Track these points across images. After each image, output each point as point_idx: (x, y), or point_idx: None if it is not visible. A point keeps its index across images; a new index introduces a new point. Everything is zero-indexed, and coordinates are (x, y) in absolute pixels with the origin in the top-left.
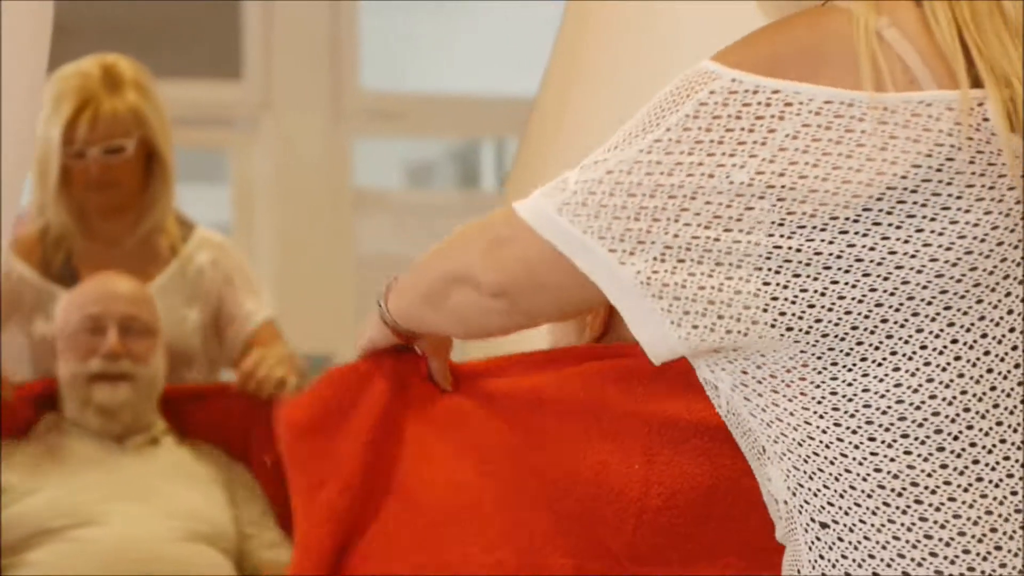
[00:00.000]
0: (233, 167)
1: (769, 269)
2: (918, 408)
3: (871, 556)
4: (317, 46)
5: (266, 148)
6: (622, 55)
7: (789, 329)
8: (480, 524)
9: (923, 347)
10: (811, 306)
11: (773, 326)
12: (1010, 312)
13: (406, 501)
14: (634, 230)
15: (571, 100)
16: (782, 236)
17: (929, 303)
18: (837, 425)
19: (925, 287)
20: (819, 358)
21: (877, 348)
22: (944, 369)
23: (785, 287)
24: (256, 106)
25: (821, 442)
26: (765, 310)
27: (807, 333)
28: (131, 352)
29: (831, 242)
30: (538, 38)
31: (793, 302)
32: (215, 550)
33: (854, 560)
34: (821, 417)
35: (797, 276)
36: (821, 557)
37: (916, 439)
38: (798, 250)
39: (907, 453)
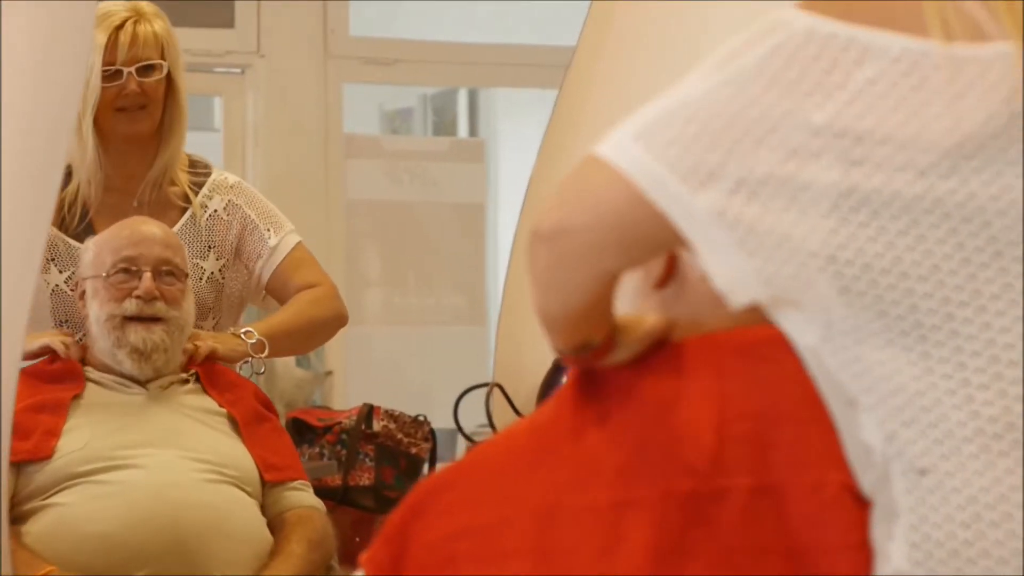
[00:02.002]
0: (224, 114)
1: (847, 207)
2: (1011, 347)
3: (973, 499)
4: None
5: (257, 95)
6: (656, 11)
7: (866, 267)
8: (566, 466)
9: (1008, 286)
10: (890, 245)
11: (850, 264)
12: None
13: (495, 448)
14: (708, 162)
15: (606, 55)
16: (861, 175)
17: (1013, 244)
18: (930, 372)
19: (1009, 228)
20: (899, 303)
21: (960, 288)
22: None
23: (864, 226)
24: (247, 53)
25: (916, 390)
26: (843, 246)
27: (887, 273)
28: (165, 295)
29: (911, 183)
30: None
31: (874, 240)
32: (242, 492)
33: (957, 504)
34: (913, 365)
35: (876, 215)
36: (921, 501)
37: (1010, 380)
38: (878, 190)
39: (1002, 395)
